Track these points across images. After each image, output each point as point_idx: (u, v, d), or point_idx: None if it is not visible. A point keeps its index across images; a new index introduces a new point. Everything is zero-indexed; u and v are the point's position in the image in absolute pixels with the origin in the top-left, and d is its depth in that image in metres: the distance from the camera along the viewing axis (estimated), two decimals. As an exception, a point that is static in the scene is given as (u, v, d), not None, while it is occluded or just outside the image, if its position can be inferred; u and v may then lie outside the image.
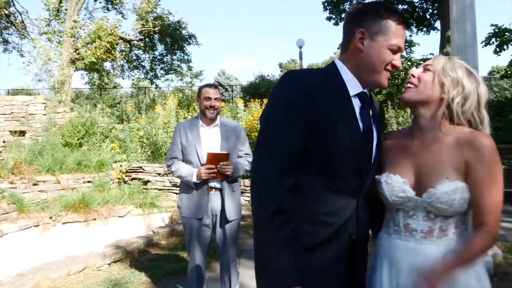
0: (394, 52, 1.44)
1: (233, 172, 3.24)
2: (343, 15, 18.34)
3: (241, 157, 3.44)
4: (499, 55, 11.07)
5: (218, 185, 3.29)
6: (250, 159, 3.46)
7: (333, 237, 1.41)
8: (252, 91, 18.87)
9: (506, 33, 11.15)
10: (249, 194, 5.90)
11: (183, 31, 20.90)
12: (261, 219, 1.33)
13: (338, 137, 1.37)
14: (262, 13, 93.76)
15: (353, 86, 1.46)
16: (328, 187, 1.40)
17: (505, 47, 11.20)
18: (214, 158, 3.17)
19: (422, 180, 1.44)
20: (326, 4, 18.20)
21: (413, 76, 1.51)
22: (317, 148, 1.38)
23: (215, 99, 3.32)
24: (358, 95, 1.47)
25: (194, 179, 3.21)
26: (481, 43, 11.81)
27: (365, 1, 1.57)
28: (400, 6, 17.80)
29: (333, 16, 18.54)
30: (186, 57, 22.15)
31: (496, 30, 11.43)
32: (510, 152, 7.76)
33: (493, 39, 11.37)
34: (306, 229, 1.40)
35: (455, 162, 1.40)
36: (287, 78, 1.45)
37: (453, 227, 1.43)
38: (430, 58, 1.94)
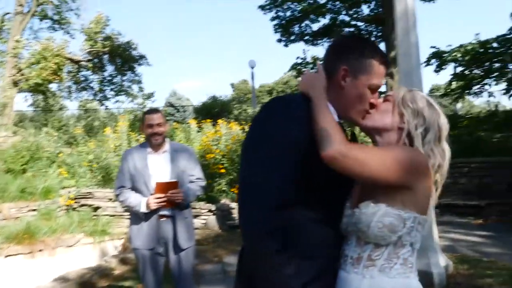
0: (373, 91, 1.45)
1: (184, 199, 3.16)
2: (292, 37, 18.84)
3: (193, 182, 3.36)
4: (438, 74, 11.91)
5: (168, 213, 3.20)
6: (202, 184, 3.45)
7: (321, 273, 1.37)
8: (205, 112, 18.76)
9: (444, 55, 11.90)
10: (205, 217, 5.76)
11: (133, 52, 20.55)
12: (265, 267, 1.28)
13: (324, 169, 1.32)
14: (214, 34, 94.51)
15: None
16: (313, 220, 1.37)
17: (444, 67, 12.01)
18: (163, 187, 3.09)
19: (357, 204, 1.40)
20: (276, 26, 18.57)
21: (372, 104, 1.49)
22: (306, 181, 1.34)
23: (158, 124, 3.21)
24: None
25: (143, 209, 3.11)
26: (423, 63, 12.54)
27: (347, 35, 1.62)
28: (346, 29, 18.55)
29: (283, 39, 18.93)
30: (136, 77, 21.72)
31: (435, 52, 12.19)
32: (453, 167, 8.14)
33: (433, 60, 12.14)
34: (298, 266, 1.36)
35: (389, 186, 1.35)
36: (274, 105, 1.44)
37: (382, 259, 1.34)
38: None
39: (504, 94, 10.95)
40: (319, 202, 1.37)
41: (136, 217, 3.21)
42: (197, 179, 3.39)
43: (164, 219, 3.19)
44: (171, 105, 26.96)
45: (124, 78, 21.80)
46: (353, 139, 1.57)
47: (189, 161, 3.35)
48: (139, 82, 21.92)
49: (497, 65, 11.12)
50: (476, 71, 11.28)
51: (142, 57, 20.89)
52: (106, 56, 20.59)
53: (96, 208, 8.49)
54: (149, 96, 22.74)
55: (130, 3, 74.47)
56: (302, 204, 1.35)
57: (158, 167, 3.24)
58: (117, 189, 3.29)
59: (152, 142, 3.22)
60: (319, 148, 1.28)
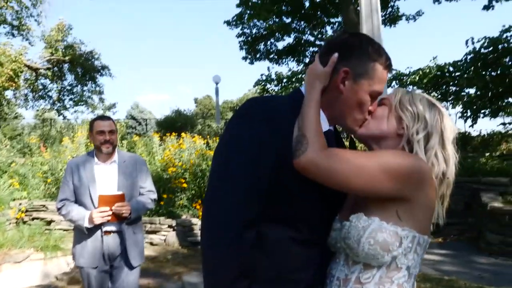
0: (374, 98, 1.27)
1: (132, 213, 2.91)
2: (257, 55, 18.95)
3: (143, 194, 3.13)
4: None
5: (115, 228, 2.95)
6: (153, 196, 3.20)
7: None
8: (168, 126, 18.42)
9: (404, 77, 12.30)
10: (164, 233, 5.45)
11: (96, 62, 20.04)
12: (220, 286, 1.12)
13: (305, 181, 1.16)
14: (179, 48, 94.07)
15: (323, 124, 1.26)
16: (294, 239, 1.19)
17: (403, 89, 12.46)
18: (107, 200, 2.84)
19: (348, 216, 1.23)
20: (242, 43, 18.62)
21: (371, 112, 1.31)
22: (283, 194, 1.17)
23: (110, 132, 2.97)
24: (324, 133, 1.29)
25: (86, 224, 2.84)
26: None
27: (348, 32, 1.43)
28: (311, 49, 18.83)
29: (249, 56, 18.99)
30: (98, 88, 21.17)
31: (396, 74, 12.59)
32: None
33: (394, 82, 12.57)
34: None
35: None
36: (251, 109, 1.22)
37: (373, 283, 1.15)
38: None
39: (460, 117, 11.35)
40: (299, 217, 1.20)
41: (80, 233, 2.94)
42: (148, 191, 3.16)
43: (110, 234, 2.94)
44: (132, 117, 26.38)
45: (85, 88, 21.18)
46: (351, 146, 1.41)
47: (139, 172, 3.12)
48: (101, 92, 21.38)
49: (453, 88, 11.56)
50: (434, 93, 11.65)
51: (104, 67, 20.39)
52: (66, 65, 19.93)
53: (49, 222, 8.00)
54: (110, 107, 22.22)
55: (97, 14, 73.15)
56: (278, 220, 1.19)
57: (105, 178, 2.99)
58: (59, 202, 3.00)
59: (103, 150, 2.96)
60: (292, 154, 1.14)
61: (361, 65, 1.23)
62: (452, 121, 1.30)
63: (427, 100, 1.30)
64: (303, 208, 1.20)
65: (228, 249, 1.10)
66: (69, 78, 20.76)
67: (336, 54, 1.22)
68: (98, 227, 2.88)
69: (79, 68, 19.94)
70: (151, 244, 6.91)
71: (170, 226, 7.04)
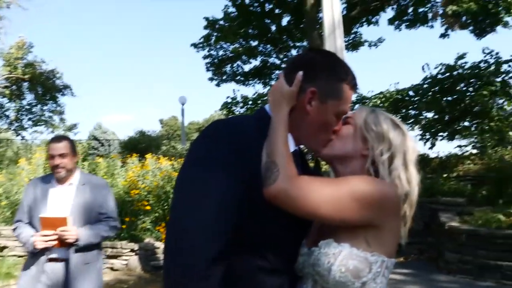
0: (339, 118, 1.26)
1: (79, 239, 2.68)
2: (224, 77, 19.12)
3: (102, 221, 2.93)
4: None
5: (60, 255, 2.71)
6: (113, 224, 3.00)
7: None
8: (131, 147, 18.11)
9: (366, 100, 12.70)
10: (126, 258, 5.28)
11: (58, 81, 19.62)
12: None
13: (272, 207, 1.11)
14: (144, 68, 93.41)
15: (290, 145, 1.22)
16: (262, 268, 1.14)
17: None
18: (49, 223, 2.65)
19: (316, 242, 1.20)
20: (209, 65, 18.77)
21: (336, 131, 1.29)
22: (252, 220, 1.11)
23: (60, 155, 2.78)
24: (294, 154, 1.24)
25: (30, 248, 2.65)
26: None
27: (314, 49, 1.41)
28: (277, 72, 19.17)
29: (215, 77, 19.13)
30: (59, 108, 20.69)
31: (358, 97, 12.98)
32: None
33: (357, 105, 12.96)
34: None
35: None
36: (216, 131, 1.16)
37: None
38: None
39: (420, 140, 11.79)
40: (268, 244, 1.15)
41: (29, 258, 2.75)
42: (107, 217, 2.95)
43: (54, 262, 2.70)
44: (95, 138, 25.78)
45: (45, 107, 20.62)
46: (316, 166, 1.41)
47: (99, 196, 2.92)
48: (61, 112, 20.87)
49: (412, 112, 12.03)
50: (394, 117, 12.07)
51: (66, 87, 20.00)
52: (26, 84, 19.37)
53: (2, 248, 7.62)
54: (71, 127, 21.65)
55: (62, 33, 71.86)
56: (245, 248, 1.12)
57: (59, 201, 2.82)
58: (14, 223, 2.87)
59: (55, 175, 2.82)
60: (263, 181, 1.10)
61: (329, 85, 1.21)
62: (414, 142, 1.31)
63: (391, 121, 1.30)
64: (273, 234, 1.15)
65: (197, 285, 1.02)
66: (29, 97, 20.25)
67: (301, 73, 1.18)
68: (42, 252, 2.67)
69: (39, 87, 19.45)
70: (112, 269, 6.71)
71: (132, 250, 6.87)
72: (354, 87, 1.26)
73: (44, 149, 11.70)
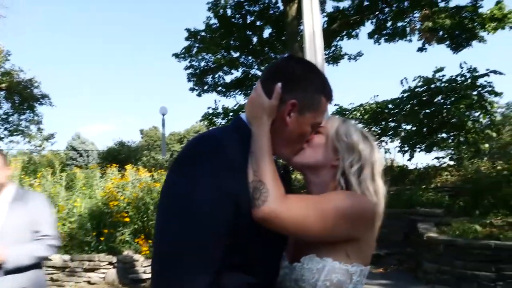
0: (314, 129, 1.28)
1: (7, 261, 2.42)
2: (205, 87, 19.15)
3: (38, 239, 2.65)
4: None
5: None
6: (51, 242, 2.70)
7: None
8: (111, 158, 17.89)
9: (346, 112, 12.88)
10: (104, 271, 5.13)
11: (35, 90, 19.26)
12: None
13: (259, 233, 1.12)
14: (125, 79, 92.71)
15: None
16: (251, 285, 1.14)
17: (347, 123, 12.99)
18: None
19: (297, 255, 1.22)
20: (190, 75, 18.78)
21: (307, 140, 1.31)
22: (241, 238, 1.10)
23: None
24: None
25: None
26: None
27: (291, 58, 1.36)
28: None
29: (197, 88, 19.15)
30: (36, 117, 20.28)
31: (339, 109, 13.15)
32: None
33: (337, 116, 13.10)
34: None
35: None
36: (204, 148, 1.14)
37: None
38: None
39: (399, 151, 11.99)
40: (256, 260, 1.15)
41: None
42: (43, 236, 2.65)
43: None
44: (73, 148, 25.37)
45: (22, 117, 20.22)
46: (286, 173, 1.39)
47: (35, 213, 2.66)
48: (39, 122, 20.49)
49: (392, 124, 12.26)
50: (374, 129, 12.26)
51: (45, 96, 19.68)
52: (3, 93, 19.00)
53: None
54: (49, 137, 21.26)
55: (39, 41, 70.84)
56: (234, 266, 1.11)
57: None
58: None
59: None
60: (251, 202, 1.10)
61: (308, 98, 1.21)
62: (381, 154, 1.35)
63: (361, 132, 1.33)
64: (260, 250, 1.15)
65: None
66: (5, 106, 19.79)
67: (279, 85, 1.18)
68: None
69: (17, 96, 19.09)
70: (89, 283, 6.57)
71: (110, 263, 6.74)
72: (330, 99, 1.29)
73: (20, 160, 11.46)
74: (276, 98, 1.18)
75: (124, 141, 19.29)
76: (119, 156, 16.91)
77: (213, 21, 17.13)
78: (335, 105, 13.38)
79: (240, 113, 1.33)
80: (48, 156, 17.09)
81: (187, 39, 17.64)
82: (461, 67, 11.00)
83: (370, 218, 1.21)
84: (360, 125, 1.39)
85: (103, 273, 6.73)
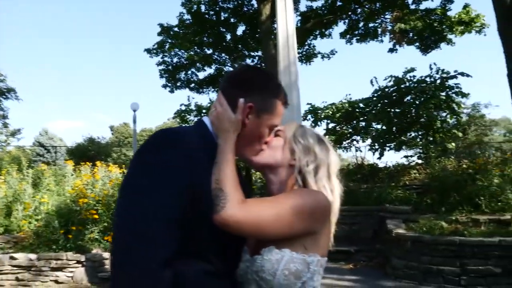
0: (271, 130, 1.39)
1: None
2: (178, 84, 18.97)
3: None
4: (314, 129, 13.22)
5: None
6: None
7: None
8: (80, 154, 17.52)
9: (319, 111, 13.07)
10: (72, 270, 5.03)
11: (1, 84, 18.65)
12: None
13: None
14: (95, 74, 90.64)
15: None
16: (209, 272, 1.20)
17: (319, 123, 13.22)
18: None
19: (258, 248, 1.30)
20: (162, 71, 18.58)
21: (266, 141, 1.41)
22: (198, 224, 1.17)
23: None
24: None
25: None
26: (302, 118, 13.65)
27: (248, 66, 1.52)
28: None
29: (169, 84, 18.95)
30: (2, 112, 19.63)
31: (311, 108, 13.33)
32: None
33: (309, 115, 13.29)
34: None
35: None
36: (159, 138, 1.22)
37: None
38: None
39: (369, 150, 12.25)
40: (214, 251, 1.22)
41: None
42: None
43: None
44: (40, 144, 24.68)
45: (-15, 111, 19.52)
46: (247, 175, 1.47)
47: None
48: (5, 117, 19.86)
49: (363, 123, 12.50)
50: (345, 127, 12.49)
51: (10, 90, 19.05)
52: (-36, 86, 18.31)
53: None
54: (15, 133, 20.63)
55: (4, 33, 68.34)
56: (192, 254, 1.18)
57: None
58: None
59: None
60: (212, 207, 1.18)
61: (264, 101, 1.33)
62: (337, 156, 1.46)
63: (317, 136, 1.45)
64: (218, 239, 1.20)
65: None
66: (-33, 100, 19.08)
67: (242, 100, 1.28)
68: None
69: (-20, 90, 18.44)
70: (56, 282, 6.42)
71: (78, 262, 6.61)
72: (285, 103, 1.40)
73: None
74: (241, 114, 1.29)
75: (93, 137, 18.93)
76: (88, 152, 16.59)
77: (187, 16, 17.00)
78: (308, 103, 13.57)
79: (203, 116, 1.42)
80: (12, 152, 16.57)
81: (159, 34, 17.44)
82: (431, 68, 11.34)
83: (326, 211, 1.30)
84: (317, 129, 1.52)
85: (71, 272, 6.59)
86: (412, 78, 11.43)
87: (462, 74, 10.99)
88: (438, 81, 11.14)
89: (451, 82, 11.08)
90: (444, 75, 11.09)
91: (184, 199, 1.13)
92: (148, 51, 17.87)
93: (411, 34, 15.40)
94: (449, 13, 14.58)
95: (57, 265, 6.47)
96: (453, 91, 11.07)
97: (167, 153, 1.16)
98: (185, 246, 1.14)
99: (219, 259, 1.23)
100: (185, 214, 1.13)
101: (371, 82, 11.95)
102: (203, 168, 1.20)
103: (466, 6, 14.20)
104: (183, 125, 1.42)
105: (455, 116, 11.27)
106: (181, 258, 1.13)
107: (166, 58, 18.44)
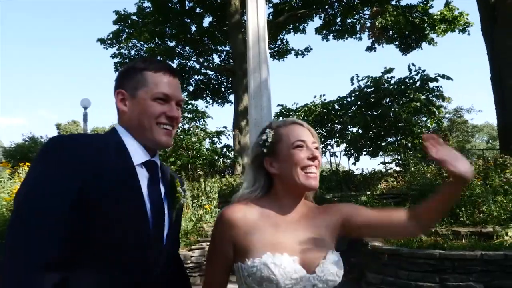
0: (164, 101, 1.41)
1: None
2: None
3: None
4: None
5: None
6: None
7: None
8: (19, 155, 16.94)
9: (291, 113, 13.17)
10: None
11: None
12: None
13: (117, 221, 1.24)
14: (41, 66, 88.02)
15: (138, 155, 1.37)
16: (105, 284, 1.22)
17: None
18: None
19: (310, 257, 1.42)
20: (118, 65, 18.24)
21: (317, 159, 1.51)
22: (92, 235, 1.21)
23: None
24: (145, 165, 1.38)
25: None
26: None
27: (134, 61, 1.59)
28: (196, 77, 19.18)
29: (125, 79, 18.65)
30: None
31: (282, 110, 13.41)
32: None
33: (281, 117, 13.37)
34: None
35: (332, 231, 1.54)
36: (56, 144, 1.29)
37: None
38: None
39: (344, 155, 12.43)
40: (112, 258, 1.24)
41: None
42: None
43: None
44: (-27, 144, 23.72)
45: None
46: (172, 189, 1.47)
47: None
48: None
49: (338, 127, 12.67)
50: (320, 131, 12.62)
51: None
52: None
53: None
54: None
55: None
56: (87, 262, 1.21)
57: None
58: None
59: None
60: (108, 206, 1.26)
61: (132, 81, 1.42)
62: None
63: None
64: (113, 251, 1.24)
65: None
66: None
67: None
68: None
69: None
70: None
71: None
72: (160, 69, 1.44)
73: None
74: (117, 104, 1.46)
75: (36, 137, 18.31)
76: (29, 153, 16.04)
77: (147, 4, 16.80)
78: (279, 105, 13.64)
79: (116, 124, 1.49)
80: None
81: (115, 22, 17.15)
82: (410, 69, 11.59)
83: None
84: None
85: None
86: (390, 79, 11.67)
87: (443, 76, 11.30)
88: (418, 83, 11.40)
89: (431, 85, 11.37)
90: (425, 77, 11.36)
91: (74, 206, 1.18)
92: (102, 41, 17.52)
93: (391, 32, 15.77)
94: (431, 10, 15.04)
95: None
96: (433, 94, 11.36)
97: (58, 162, 1.23)
98: (82, 247, 1.19)
99: (124, 272, 1.24)
100: (79, 223, 1.18)
101: (351, 80, 12.08)
102: (99, 177, 1.24)
103: (448, 3, 14.68)
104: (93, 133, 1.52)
105: (436, 121, 11.58)
106: (77, 268, 1.18)
107: (122, 50, 18.17)
